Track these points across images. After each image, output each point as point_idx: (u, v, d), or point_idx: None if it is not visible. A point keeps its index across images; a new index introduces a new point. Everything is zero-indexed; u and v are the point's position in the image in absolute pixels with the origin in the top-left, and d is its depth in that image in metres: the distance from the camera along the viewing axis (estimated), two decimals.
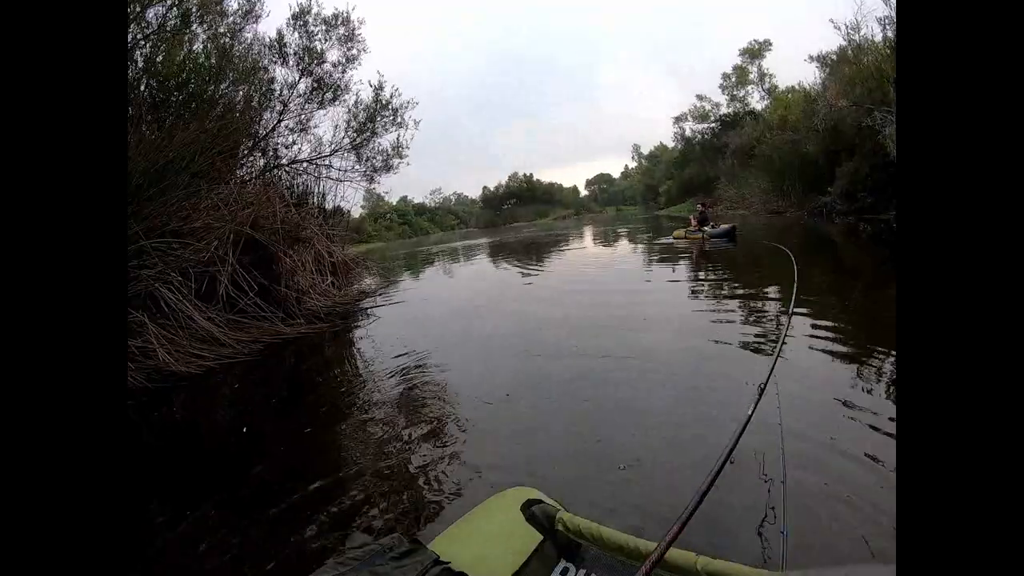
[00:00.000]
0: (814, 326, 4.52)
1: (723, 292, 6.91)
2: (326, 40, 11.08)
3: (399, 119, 11.73)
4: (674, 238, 13.86)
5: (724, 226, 13.07)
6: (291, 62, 10.90)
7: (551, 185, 65.47)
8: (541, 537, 1.43)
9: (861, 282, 7.28)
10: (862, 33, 13.86)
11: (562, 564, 1.39)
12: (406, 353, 5.13)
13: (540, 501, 1.55)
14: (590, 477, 2.50)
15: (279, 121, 10.67)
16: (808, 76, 26.10)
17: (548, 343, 5.05)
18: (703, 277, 8.55)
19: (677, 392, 3.50)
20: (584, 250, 14.67)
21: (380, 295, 10.03)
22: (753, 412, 1.53)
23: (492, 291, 9.88)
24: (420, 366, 4.71)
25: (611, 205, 69.62)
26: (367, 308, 8.63)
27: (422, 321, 7.44)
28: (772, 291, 6.53)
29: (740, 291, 6.91)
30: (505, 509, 1.54)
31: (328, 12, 11.02)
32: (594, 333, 5.15)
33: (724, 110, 32.68)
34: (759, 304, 6.03)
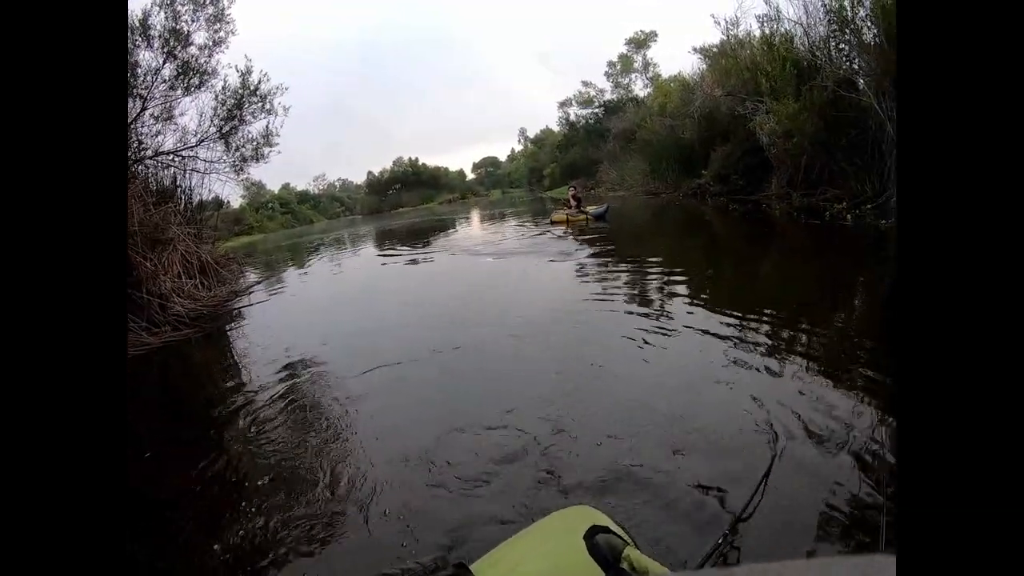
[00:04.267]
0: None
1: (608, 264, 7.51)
2: (193, 21, 9.89)
3: (268, 105, 10.90)
4: (554, 221, 13.92)
5: (597, 209, 13.91)
6: (156, 45, 9.62)
7: (437, 169, 63.96)
8: (602, 574, 1.15)
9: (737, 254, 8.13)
10: (741, 28, 14.39)
11: None
12: (277, 351, 4.99)
13: (607, 529, 1.26)
14: None
15: (143, 109, 9.40)
16: (692, 67, 27.25)
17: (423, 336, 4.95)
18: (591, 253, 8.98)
19: None
20: (471, 242, 14.26)
21: (253, 293, 9.51)
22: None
23: (375, 283, 9.75)
24: (292, 364, 4.58)
25: (497, 188, 69.29)
26: (239, 308, 8.22)
27: (295, 317, 7.33)
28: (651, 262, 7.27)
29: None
30: (565, 533, 1.28)
31: None
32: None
33: (608, 96, 33.44)
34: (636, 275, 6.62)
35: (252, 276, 12.09)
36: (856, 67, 9.81)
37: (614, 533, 1.27)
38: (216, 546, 2.27)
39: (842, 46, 10.17)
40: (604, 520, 1.32)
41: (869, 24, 9.13)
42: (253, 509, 2.50)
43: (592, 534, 1.24)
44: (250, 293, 9.51)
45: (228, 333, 6.84)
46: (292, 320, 7.15)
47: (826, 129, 10.27)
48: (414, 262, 11.11)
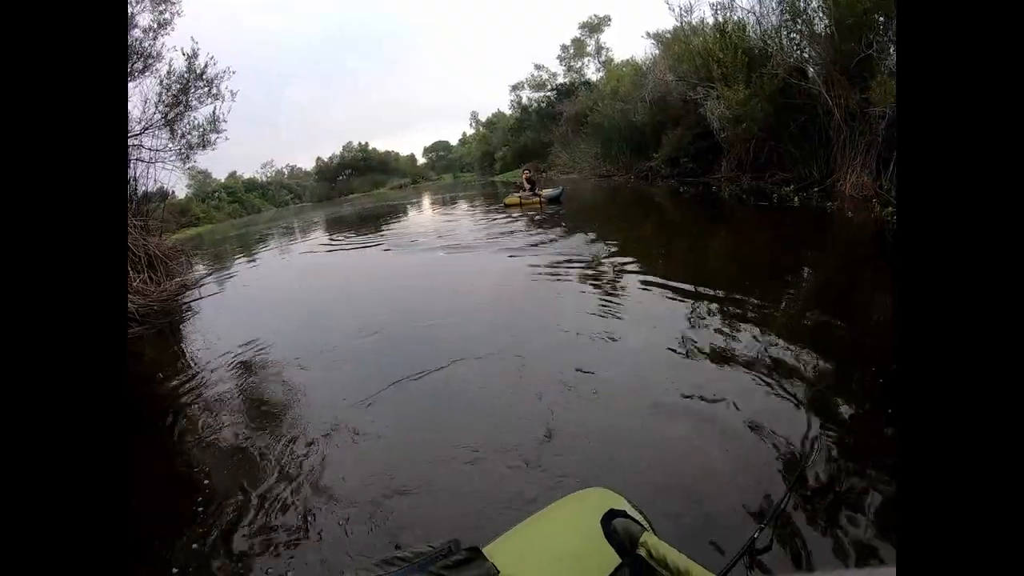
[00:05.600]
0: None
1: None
2: (138, 2, 9.05)
3: (215, 90, 10.03)
4: (507, 204, 13.64)
5: (551, 191, 13.59)
6: None
7: (387, 154, 61.73)
8: (618, 560, 1.12)
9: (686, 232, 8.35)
10: (695, 15, 14.43)
11: None
12: (231, 345, 4.81)
13: (624, 513, 1.22)
14: None
15: None
16: (644, 52, 27.16)
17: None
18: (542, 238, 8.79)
19: None
20: (422, 229, 13.91)
21: (203, 285, 9.07)
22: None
23: (324, 273, 9.36)
24: (246, 357, 4.42)
25: (448, 172, 67.67)
26: (189, 302, 7.81)
27: (246, 309, 7.05)
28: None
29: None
30: (581, 516, 1.24)
31: None
32: None
33: (560, 80, 33.16)
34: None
35: (201, 269, 11.59)
36: (807, 56, 10.00)
37: (631, 518, 1.23)
38: (167, 553, 2.12)
39: (793, 35, 10.34)
40: (621, 504, 1.28)
41: (821, 15, 9.28)
42: (210, 510, 2.35)
43: (609, 518, 1.20)
44: (200, 286, 9.06)
45: (180, 329, 6.54)
46: (243, 312, 6.84)
47: (775, 115, 10.48)
48: (364, 250, 10.70)
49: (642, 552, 1.14)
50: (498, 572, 1.00)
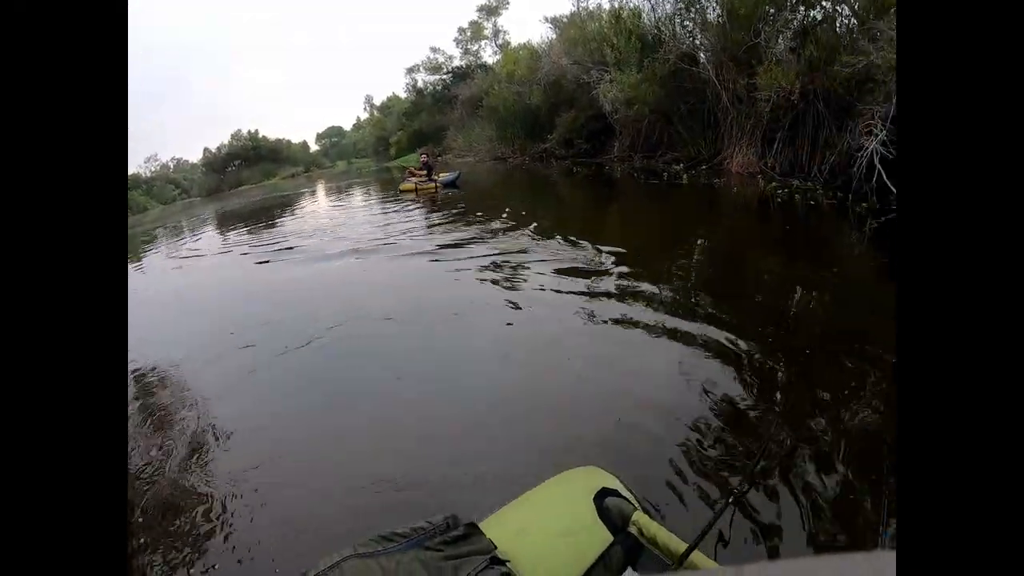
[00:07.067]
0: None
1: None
2: None
3: None
4: (402, 190, 12.68)
5: (447, 176, 13.00)
6: None
7: (279, 142, 56.64)
8: (611, 538, 1.12)
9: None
10: (591, 1, 14.46)
11: (628, 573, 1.11)
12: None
13: (616, 492, 1.23)
14: None
15: None
16: (541, 36, 26.95)
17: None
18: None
19: None
20: (316, 219, 12.58)
21: None
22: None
23: (215, 275, 8.09)
24: (139, 367, 4.05)
25: (343, 159, 64.22)
26: None
27: (135, 317, 5.98)
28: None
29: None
30: (574, 494, 1.24)
31: None
32: None
33: (457, 63, 32.24)
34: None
35: None
36: (698, 43, 10.19)
37: (623, 497, 1.24)
38: None
39: (687, 23, 10.52)
40: (613, 482, 1.29)
41: (714, 4, 9.46)
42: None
43: (602, 497, 1.22)
44: None
45: None
46: (132, 320, 5.71)
47: (666, 98, 10.62)
48: (255, 245, 9.31)
49: (633, 530, 1.15)
50: (495, 548, 0.98)
